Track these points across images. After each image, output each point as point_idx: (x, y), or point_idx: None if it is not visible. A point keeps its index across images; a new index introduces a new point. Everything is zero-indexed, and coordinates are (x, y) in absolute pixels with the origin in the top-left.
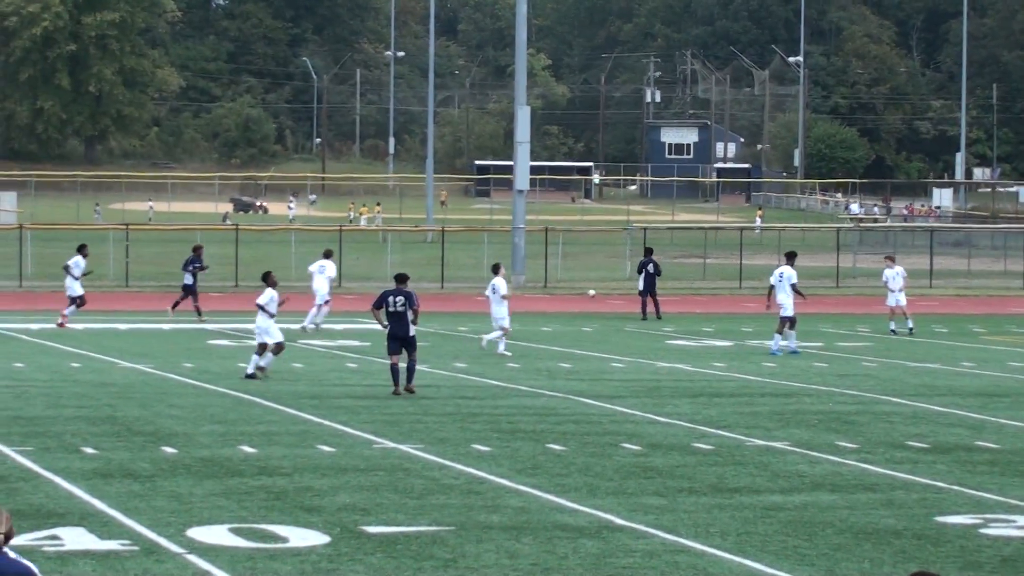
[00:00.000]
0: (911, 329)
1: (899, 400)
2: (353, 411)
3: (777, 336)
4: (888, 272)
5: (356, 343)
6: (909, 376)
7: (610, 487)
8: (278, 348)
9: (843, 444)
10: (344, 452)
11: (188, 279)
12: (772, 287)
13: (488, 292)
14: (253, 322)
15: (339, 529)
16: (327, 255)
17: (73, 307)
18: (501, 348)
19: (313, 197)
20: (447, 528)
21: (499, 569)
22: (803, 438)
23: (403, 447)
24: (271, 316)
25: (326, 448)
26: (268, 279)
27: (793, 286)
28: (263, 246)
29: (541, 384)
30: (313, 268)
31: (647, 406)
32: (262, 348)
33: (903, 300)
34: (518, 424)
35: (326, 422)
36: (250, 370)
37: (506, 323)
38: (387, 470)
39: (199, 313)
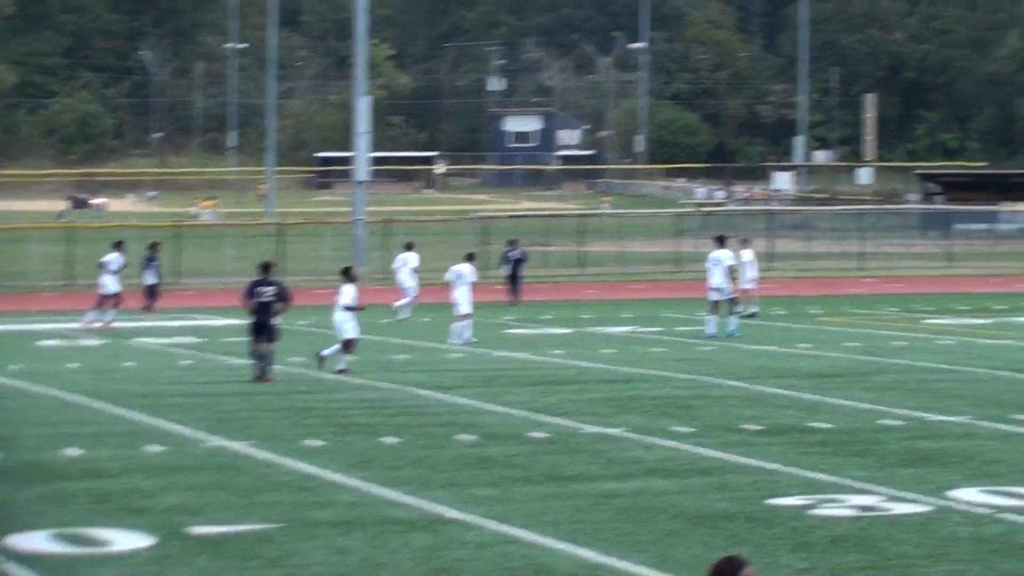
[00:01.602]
0: (740, 313)
1: (735, 383)
2: (185, 409)
3: (733, 317)
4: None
5: (191, 339)
6: (746, 359)
7: (443, 479)
8: (352, 345)
9: (678, 429)
10: (173, 451)
11: (150, 278)
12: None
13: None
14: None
15: (165, 530)
16: (409, 247)
17: (108, 307)
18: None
19: (152, 193)
20: (276, 526)
21: (328, 566)
22: (639, 424)
23: (234, 444)
24: (356, 311)
25: (155, 448)
26: (348, 274)
27: (730, 268)
28: (99, 244)
29: (377, 376)
30: (395, 263)
31: (484, 395)
32: (347, 345)
33: (739, 284)
34: (352, 417)
35: (157, 421)
36: (341, 366)
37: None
38: (217, 468)
39: (146, 310)
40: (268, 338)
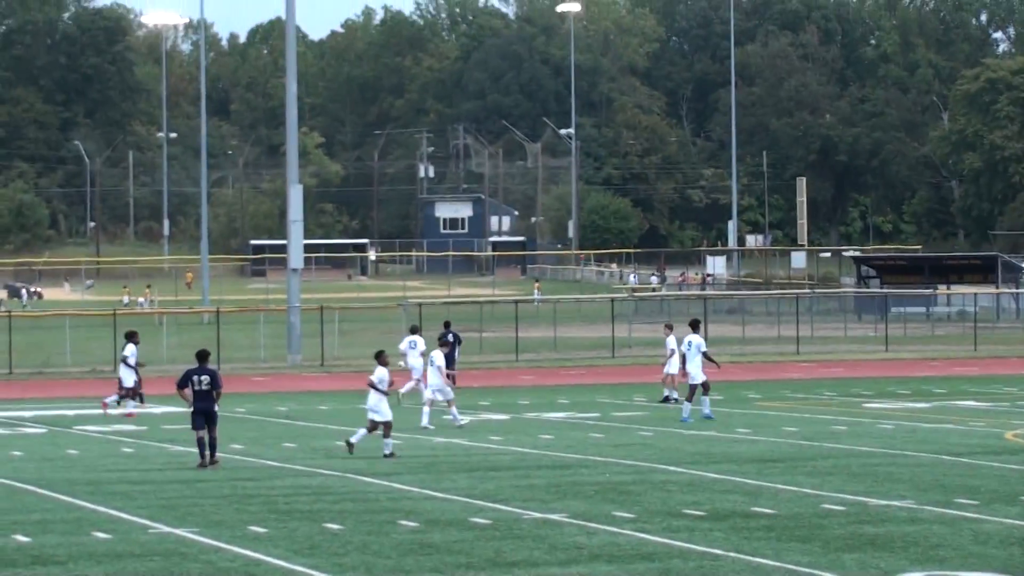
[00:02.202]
0: (676, 399)
1: (676, 468)
2: (129, 496)
3: (687, 404)
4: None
5: (132, 427)
6: (685, 444)
7: (388, 565)
8: (387, 427)
9: (620, 514)
10: (120, 538)
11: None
12: (683, 355)
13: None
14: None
15: None
16: (414, 331)
17: (124, 397)
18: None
19: (89, 282)
20: None
21: None
22: (580, 509)
23: (179, 531)
24: (384, 395)
25: (101, 535)
26: (380, 358)
27: (704, 353)
28: (37, 332)
29: (318, 463)
30: (403, 346)
31: (424, 482)
32: (373, 425)
33: (675, 369)
34: (295, 504)
35: (101, 508)
36: (387, 451)
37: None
38: (163, 555)
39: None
40: (211, 425)
